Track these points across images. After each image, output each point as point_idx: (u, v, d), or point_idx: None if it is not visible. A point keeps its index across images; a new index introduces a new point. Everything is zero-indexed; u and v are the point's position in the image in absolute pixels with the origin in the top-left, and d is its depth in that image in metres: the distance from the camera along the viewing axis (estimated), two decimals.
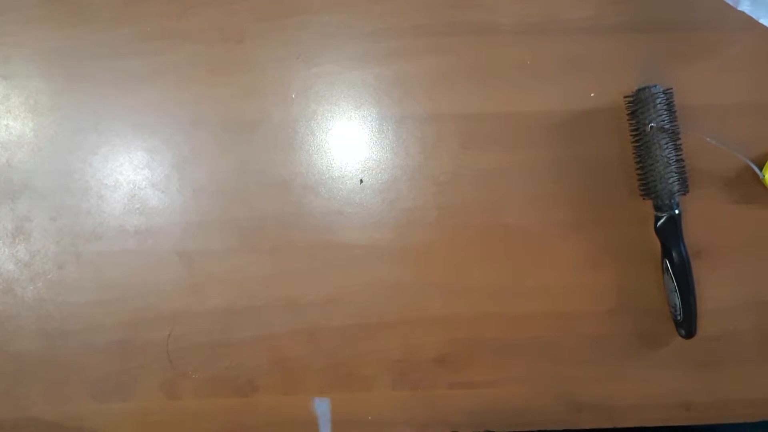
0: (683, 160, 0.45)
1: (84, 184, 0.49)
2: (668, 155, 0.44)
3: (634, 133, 0.46)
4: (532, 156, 0.48)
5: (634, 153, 0.46)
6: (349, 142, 0.49)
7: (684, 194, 0.45)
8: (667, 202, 0.45)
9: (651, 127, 0.44)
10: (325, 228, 0.48)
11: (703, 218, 0.48)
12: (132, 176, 0.49)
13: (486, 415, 0.49)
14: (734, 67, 0.48)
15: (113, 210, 0.49)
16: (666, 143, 0.44)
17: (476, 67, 0.48)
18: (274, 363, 0.49)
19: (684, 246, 0.45)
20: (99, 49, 0.48)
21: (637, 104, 0.45)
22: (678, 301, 0.45)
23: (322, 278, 0.48)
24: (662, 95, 0.44)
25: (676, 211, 0.45)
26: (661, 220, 0.45)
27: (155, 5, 0.48)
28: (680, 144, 0.45)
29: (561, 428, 0.49)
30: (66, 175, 0.49)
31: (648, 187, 0.45)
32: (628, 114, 0.46)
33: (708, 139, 0.46)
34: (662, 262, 0.46)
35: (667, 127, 0.44)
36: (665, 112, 0.44)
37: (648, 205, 0.47)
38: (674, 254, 0.45)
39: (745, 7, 0.46)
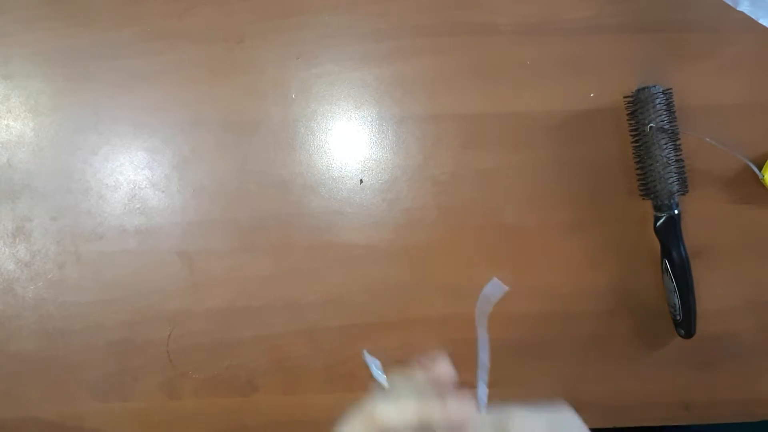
0: (683, 161, 0.45)
1: (84, 184, 0.49)
2: (668, 155, 0.44)
3: (633, 133, 0.46)
4: (532, 156, 0.48)
5: (633, 153, 0.46)
6: (349, 142, 0.49)
7: (683, 194, 0.45)
8: (666, 202, 0.45)
9: (650, 127, 0.44)
10: (325, 228, 0.48)
11: (703, 218, 0.48)
12: (132, 176, 0.49)
13: None
14: (734, 67, 0.48)
15: (114, 210, 0.49)
16: (665, 143, 0.44)
17: (476, 67, 0.48)
18: (274, 363, 0.49)
19: (683, 246, 0.45)
20: (99, 49, 0.48)
21: (637, 104, 0.45)
22: (677, 301, 0.45)
23: (322, 278, 0.48)
24: (662, 95, 0.44)
25: (676, 211, 0.45)
26: (661, 220, 0.46)
27: (155, 5, 0.48)
28: (680, 144, 0.45)
29: None
30: (66, 175, 0.49)
31: (647, 187, 0.45)
32: (627, 114, 0.46)
33: (707, 139, 0.46)
34: (662, 262, 0.46)
35: (666, 127, 0.44)
36: (665, 113, 0.44)
37: (648, 205, 0.47)
38: (674, 254, 0.45)
39: (744, 7, 0.46)
